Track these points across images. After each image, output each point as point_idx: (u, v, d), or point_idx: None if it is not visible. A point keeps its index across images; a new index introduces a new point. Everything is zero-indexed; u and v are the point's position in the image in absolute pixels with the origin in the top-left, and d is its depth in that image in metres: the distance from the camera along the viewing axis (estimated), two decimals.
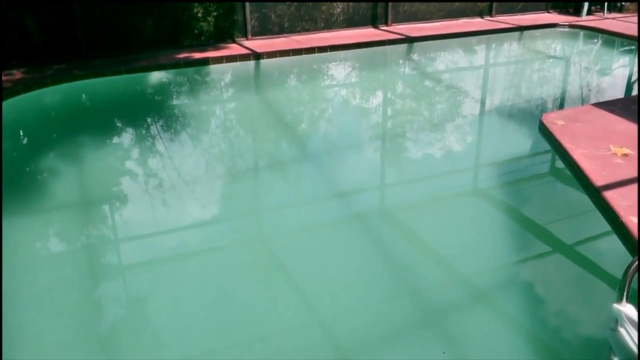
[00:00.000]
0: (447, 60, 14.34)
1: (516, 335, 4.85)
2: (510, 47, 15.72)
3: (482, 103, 10.95)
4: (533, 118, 9.35)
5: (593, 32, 15.99)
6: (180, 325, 5.09)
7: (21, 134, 9.63)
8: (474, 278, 5.57)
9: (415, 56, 14.11)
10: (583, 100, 10.76)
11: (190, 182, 7.67)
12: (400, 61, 14.08)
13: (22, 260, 6.06)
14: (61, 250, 6.38)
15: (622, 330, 3.41)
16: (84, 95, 11.12)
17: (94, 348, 4.95)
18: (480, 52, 15.14)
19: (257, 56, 12.92)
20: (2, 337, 3.86)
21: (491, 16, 17.38)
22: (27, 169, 8.19)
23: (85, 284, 5.74)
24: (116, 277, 5.97)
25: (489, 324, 4.97)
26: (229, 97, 11.82)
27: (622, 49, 14.82)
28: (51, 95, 10.79)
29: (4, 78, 10.84)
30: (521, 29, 16.18)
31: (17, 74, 11.17)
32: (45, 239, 6.51)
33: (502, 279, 5.61)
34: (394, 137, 9.48)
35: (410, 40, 14.51)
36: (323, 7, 15.19)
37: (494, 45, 15.42)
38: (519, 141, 8.88)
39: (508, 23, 16.47)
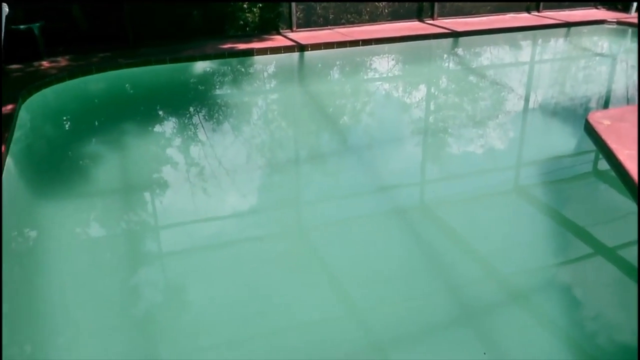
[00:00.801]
0: (492, 55, 14.19)
1: (553, 338, 4.79)
2: (557, 43, 15.49)
3: (527, 100, 10.81)
4: (578, 117, 9.23)
5: None
6: (217, 312, 5.11)
7: (64, 120, 9.74)
8: (513, 277, 5.50)
9: (460, 51, 13.99)
10: (630, 100, 10.55)
11: (230, 171, 7.70)
12: (445, 56, 13.97)
13: (65, 243, 6.16)
14: (102, 234, 6.46)
15: None
16: (128, 84, 11.22)
17: (131, 332, 5.00)
18: (526, 48, 14.94)
19: (301, 48, 12.91)
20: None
21: (538, 11, 17.15)
22: (70, 154, 8.29)
23: (124, 269, 5.80)
24: (154, 262, 6.03)
25: (526, 325, 4.91)
26: (272, 88, 11.84)
27: None
28: (95, 82, 10.90)
29: (49, 64, 10.99)
30: (568, 25, 15.93)
31: (63, 61, 11.32)
32: (87, 223, 6.59)
33: (541, 280, 5.53)
34: (435, 132, 9.41)
35: (455, 34, 14.39)
36: None
37: (540, 41, 15.21)
38: (563, 140, 8.74)
39: (555, 19, 16.25)
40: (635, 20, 16.01)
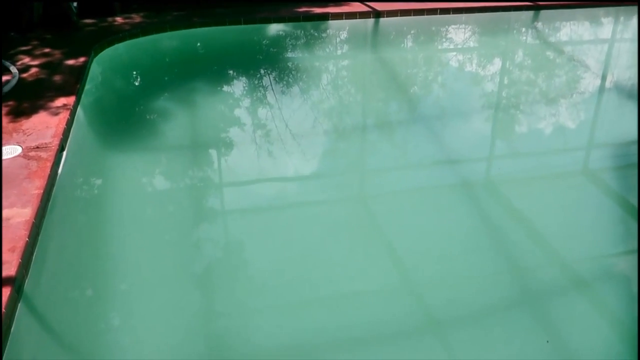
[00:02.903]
0: (572, 31, 13.72)
1: (612, 328, 4.62)
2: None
3: (604, 79, 10.42)
4: None
5: None
6: (272, 274, 5.08)
7: (135, 75, 9.80)
8: (575, 263, 5.32)
9: (539, 25, 13.59)
10: None
11: (296, 135, 7.62)
12: (523, 29, 13.58)
13: (129, 193, 6.21)
14: (166, 188, 6.50)
15: None
16: (200, 43, 11.21)
17: (188, 284, 5.02)
18: (607, 25, 14.40)
19: (377, 14, 12.70)
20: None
21: None
22: (139, 108, 8.34)
23: (186, 223, 5.82)
24: (216, 219, 6.03)
25: (585, 313, 4.74)
26: (344, 54, 11.69)
27: None
28: (168, 40, 10.92)
29: (123, 20, 11.05)
30: None
31: (136, 18, 11.36)
32: (152, 176, 6.63)
33: (603, 268, 5.32)
34: (506, 108, 9.15)
35: (537, 7, 13.95)
36: None
37: (622, 18, 14.63)
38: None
39: None
40: None
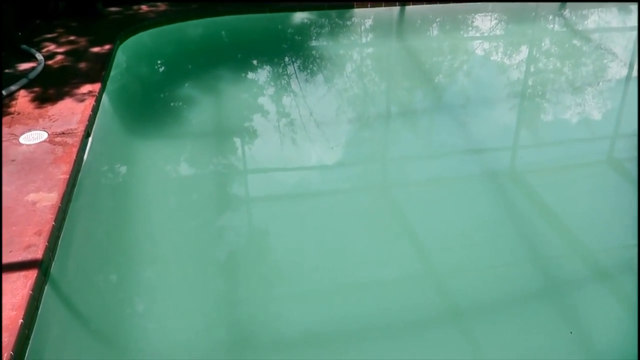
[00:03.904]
0: (600, 19, 13.58)
1: (635, 319, 4.56)
2: None
3: (631, 67, 10.29)
4: None
5: None
6: (295, 261, 5.09)
7: (159, 63, 9.81)
8: (599, 254, 5.27)
9: (567, 13, 13.45)
10: None
11: (320, 123, 7.60)
12: (550, 17, 13.45)
13: (153, 179, 6.23)
14: (190, 174, 6.51)
15: None
16: (225, 31, 11.21)
17: (212, 270, 5.04)
18: (635, 12, 14.21)
19: (402, 2, 12.60)
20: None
21: None
22: (163, 95, 8.36)
23: (209, 209, 5.83)
24: (240, 206, 6.04)
25: (608, 305, 4.69)
26: (368, 42, 11.64)
27: None
28: (193, 28, 10.92)
29: (148, 9, 11.05)
30: None
31: (162, 6, 11.36)
32: (176, 163, 6.64)
33: (627, 259, 5.26)
34: (532, 96, 9.05)
35: None
36: None
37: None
38: None
39: None
40: None
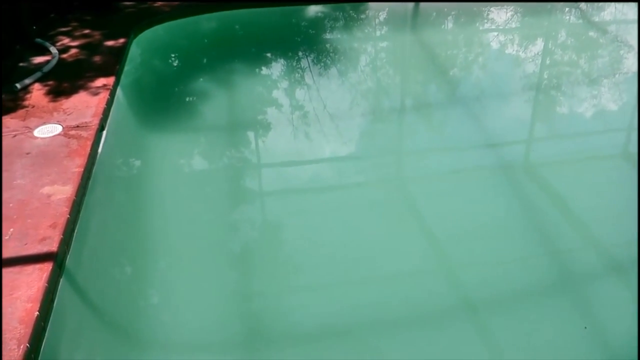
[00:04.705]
0: (616, 10, 13.48)
1: None
2: None
3: None
4: None
5: None
6: (310, 254, 5.09)
7: (174, 56, 9.82)
8: (614, 248, 5.24)
9: (582, 5, 13.37)
10: None
11: (334, 117, 7.59)
12: (566, 9, 13.38)
13: (167, 173, 6.25)
14: (204, 168, 6.54)
15: None
16: (239, 24, 11.20)
17: (227, 263, 5.04)
18: None
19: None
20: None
21: None
22: (177, 89, 8.38)
23: (223, 203, 5.84)
24: (254, 199, 6.05)
25: (623, 298, 4.67)
26: (382, 36, 11.61)
27: None
28: (207, 22, 10.92)
29: (162, 3, 11.05)
30: None
31: (176, 0, 11.37)
32: (190, 156, 6.65)
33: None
34: (547, 89, 9.01)
35: None
36: None
37: None
38: None
39: None
40: None
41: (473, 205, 5.79)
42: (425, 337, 4.37)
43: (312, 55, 9.92)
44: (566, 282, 4.90)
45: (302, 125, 7.42)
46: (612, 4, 13.35)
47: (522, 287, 4.77)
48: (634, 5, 13.28)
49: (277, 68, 9.49)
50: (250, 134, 7.22)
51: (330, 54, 10.03)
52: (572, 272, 4.99)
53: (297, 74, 9.11)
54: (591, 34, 11.55)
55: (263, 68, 9.29)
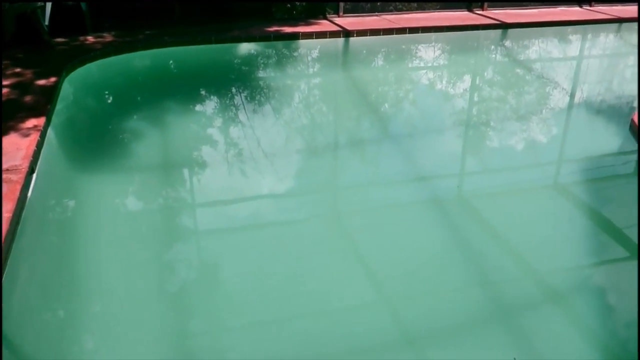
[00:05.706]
0: (540, 49, 13.91)
1: (586, 342, 4.70)
2: (607, 39, 15.09)
3: (572, 96, 10.60)
4: (624, 116, 9.03)
5: None
6: (248, 292, 5.13)
7: (107, 95, 9.81)
8: (548, 276, 5.42)
9: (507, 43, 13.78)
10: None
11: (269, 154, 7.68)
12: (492, 47, 13.77)
13: (101, 215, 6.21)
14: (139, 209, 6.52)
15: None
16: (172, 62, 11.26)
17: (163, 304, 5.04)
18: (574, 42, 14.62)
19: (347, 34, 12.81)
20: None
21: (590, 5, 16.67)
22: (111, 128, 8.36)
23: (159, 243, 5.84)
24: (190, 239, 6.08)
25: (559, 325, 4.83)
26: (315, 73, 11.79)
27: None
28: (140, 59, 10.96)
29: (95, 40, 11.06)
30: (620, 21, 15.40)
31: (108, 37, 11.39)
32: (124, 197, 6.64)
33: (576, 280, 5.43)
34: (477, 125, 9.28)
35: (504, 26, 14.14)
36: None
37: (589, 36, 14.84)
38: (607, 139, 8.54)
39: (607, 14, 15.73)
40: None
41: (409, 238, 5.92)
42: None
43: (246, 93, 10.03)
44: (502, 312, 5.02)
45: (237, 162, 7.48)
46: (536, 42, 13.80)
47: (459, 319, 4.88)
48: (557, 44, 13.75)
49: (211, 105, 9.56)
50: (185, 173, 7.25)
51: (264, 91, 10.15)
52: (508, 302, 5.12)
53: (231, 112, 9.19)
54: (517, 71, 11.92)
55: (197, 106, 9.35)
